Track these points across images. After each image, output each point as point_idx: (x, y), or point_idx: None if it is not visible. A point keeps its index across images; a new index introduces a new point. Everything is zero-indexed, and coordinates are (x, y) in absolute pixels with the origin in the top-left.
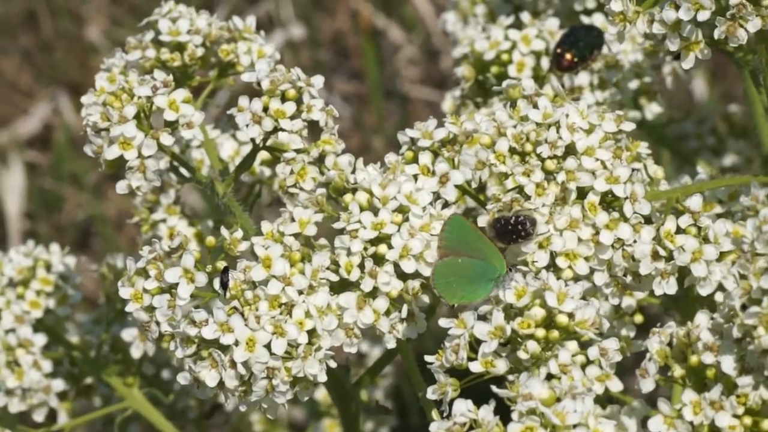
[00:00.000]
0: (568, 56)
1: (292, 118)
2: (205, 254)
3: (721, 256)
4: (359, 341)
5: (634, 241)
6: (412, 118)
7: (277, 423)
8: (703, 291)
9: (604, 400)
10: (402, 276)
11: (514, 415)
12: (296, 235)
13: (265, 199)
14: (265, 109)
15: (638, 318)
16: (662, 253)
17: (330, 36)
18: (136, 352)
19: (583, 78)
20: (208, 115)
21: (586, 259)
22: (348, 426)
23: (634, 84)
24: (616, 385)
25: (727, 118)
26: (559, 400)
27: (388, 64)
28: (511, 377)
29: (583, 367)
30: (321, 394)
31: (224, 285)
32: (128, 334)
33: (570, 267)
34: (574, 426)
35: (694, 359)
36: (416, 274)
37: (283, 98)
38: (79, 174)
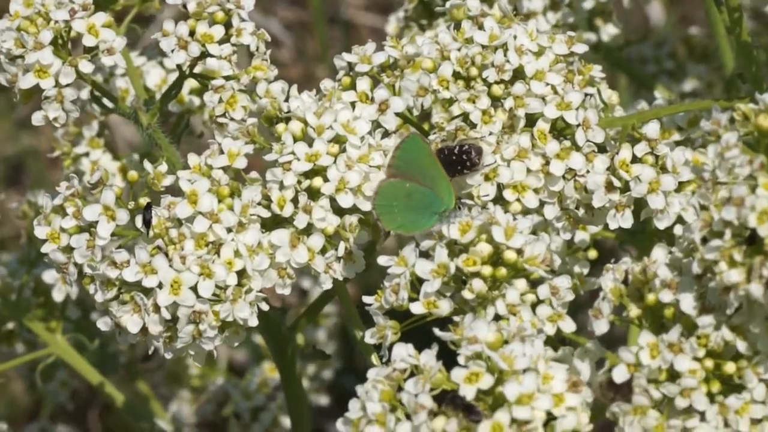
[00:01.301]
0: None
1: (221, 42)
2: (129, 190)
3: (680, 186)
4: (293, 282)
5: (587, 172)
6: (356, 45)
7: (215, 366)
8: (661, 224)
9: (556, 341)
10: (339, 211)
11: (460, 359)
12: (225, 169)
13: (197, 130)
14: (192, 33)
15: (592, 253)
16: (617, 183)
17: None
18: (58, 296)
19: (536, 3)
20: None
21: (536, 191)
22: (284, 371)
23: (589, 4)
24: (568, 326)
25: (686, 41)
26: (507, 342)
27: None
28: (457, 318)
29: (534, 306)
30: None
31: (147, 223)
32: (50, 276)
33: (518, 200)
34: (523, 371)
35: (651, 298)
36: (354, 209)
37: (211, 22)
38: (9, 106)
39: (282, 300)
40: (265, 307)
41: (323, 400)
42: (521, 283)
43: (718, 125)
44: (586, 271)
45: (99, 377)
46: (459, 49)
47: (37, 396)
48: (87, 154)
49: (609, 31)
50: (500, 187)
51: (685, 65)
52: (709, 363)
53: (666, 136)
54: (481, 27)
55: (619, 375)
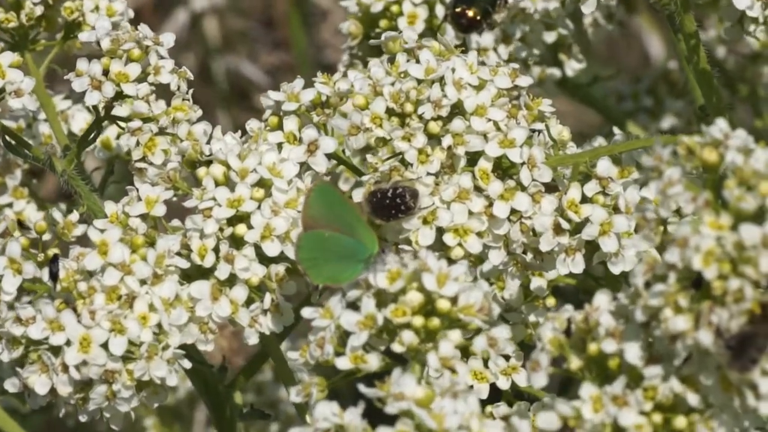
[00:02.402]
0: (469, 14)
1: (138, 81)
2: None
3: (636, 226)
4: (215, 337)
5: (534, 213)
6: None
7: (170, 422)
8: (615, 268)
9: (512, 395)
10: (265, 260)
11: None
12: (143, 217)
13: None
14: (106, 72)
15: (551, 301)
16: (565, 225)
17: (255, 3)
18: None
19: (487, 39)
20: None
21: (479, 234)
22: None
23: (551, 37)
24: (524, 379)
25: (665, 76)
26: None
27: (316, 33)
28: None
29: (485, 360)
30: None
31: (54, 276)
32: None
33: (460, 244)
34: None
35: (593, 347)
36: (281, 257)
37: (128, 60)
38: None
39: (222, 356)
40: (187, 364)
41: None
42: (456, 335)
43: (660, 161)
44: (542, 320)
45: None
46: (393, 84)
47: None
48: (11, 205)
49: (572, 66)
50: (440, 231)
51: (664, 101)
52: (658, 417)
53: (625, 174)
54: (417, 60)
55: (546, 421)
